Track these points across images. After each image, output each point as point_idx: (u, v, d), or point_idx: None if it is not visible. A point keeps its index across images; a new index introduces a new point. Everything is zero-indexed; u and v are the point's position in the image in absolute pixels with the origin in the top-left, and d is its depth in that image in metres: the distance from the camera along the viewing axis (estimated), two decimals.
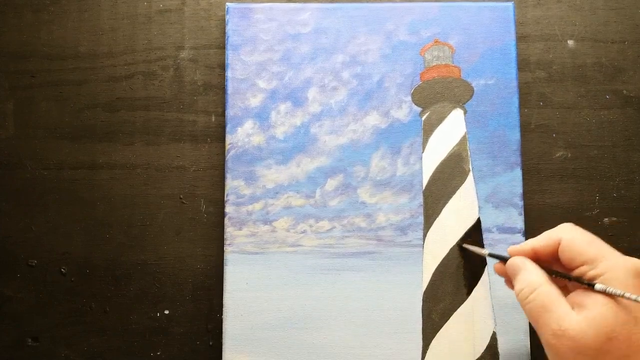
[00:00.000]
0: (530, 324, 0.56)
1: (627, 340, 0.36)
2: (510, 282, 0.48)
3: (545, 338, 0.40)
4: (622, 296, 0.37)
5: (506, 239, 0.57)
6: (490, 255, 0.52)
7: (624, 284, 0.37)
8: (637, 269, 0.38)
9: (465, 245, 0.56)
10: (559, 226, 0.44)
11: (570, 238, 0.42)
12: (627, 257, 0.40)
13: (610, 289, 0.37)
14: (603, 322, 0.37)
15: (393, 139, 0.59)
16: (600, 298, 0.38)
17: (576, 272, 0.41)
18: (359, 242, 0.58)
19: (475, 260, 0.57)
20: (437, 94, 0.59)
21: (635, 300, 0.36)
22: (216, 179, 0.60)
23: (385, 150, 0.59)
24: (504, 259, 0.48)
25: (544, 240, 0.44)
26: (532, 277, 0.42)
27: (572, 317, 0.38)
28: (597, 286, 0.38)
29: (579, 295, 0.40)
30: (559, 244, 0.42)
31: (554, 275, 0.43)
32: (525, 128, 0.60)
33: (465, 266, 0.57)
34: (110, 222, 0.60)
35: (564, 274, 0.42)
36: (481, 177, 0.58)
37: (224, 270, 0.57)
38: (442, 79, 0.59)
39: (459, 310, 0.56)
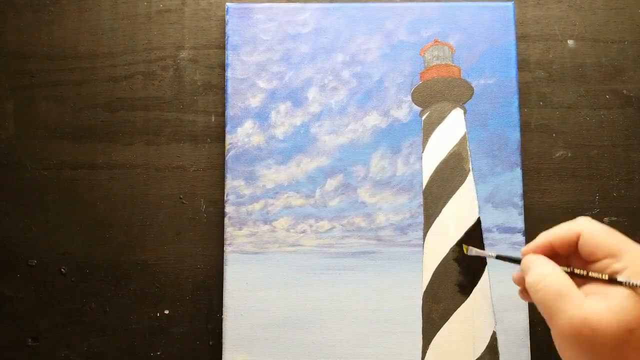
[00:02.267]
0: (530, 324, 0.56)
1: None
2: (523, 292, 0.44)
3: (559, 327, 0.37)
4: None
5: (506, 239, 0.57)
6: (499, 257, 0.47)
7: None
8: None
9: (471, 248, 0.51)
10: (576, 219, 0.42)
11: (591, 231, 0.40)
12: None
13: (634, 282, 0.37)
14: (627, 313, 0.36)
15: (393, 139, 0.59)
16: (621, 290, 0.37)
17: (598, 265, 0.40)
18: (359, 242, 0.58)
19: (475, 260, 0.57)
20: (437, 93, 0.59)
21: None
22: (216, 179, 0.60)
23: (385, 150, 0.59)
24: (516, 261, 0.44)
25: (562, 232, 0.42)
26: (540, 268, 0.40)
27: (593, 306, 0.37)
28: (620, 278, 0.38)
29: (597, 287, 0.39)
30: (578, 237, 0.41)
31: (569, 273, 0.41)
32: (525, 128, 0.60)
33: (465, 266, 0.57)
34: (110, 222, 0.60)
35: (580, 273, 0.40)
36: (481, 177, 0.58)
37: (224, 270, 0.57)
38: (442, 78, 0.59)
39: (459, 310, 0.56)
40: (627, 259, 0.38)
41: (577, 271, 0.41)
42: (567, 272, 0.41)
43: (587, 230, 0.41)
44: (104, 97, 0.61)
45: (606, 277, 0.38)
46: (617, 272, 0.38)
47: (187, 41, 0.62)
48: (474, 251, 0.48)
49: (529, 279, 0.41)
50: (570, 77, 0.61)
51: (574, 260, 0.42)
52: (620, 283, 0.38)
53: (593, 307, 0.37)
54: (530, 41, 0.61)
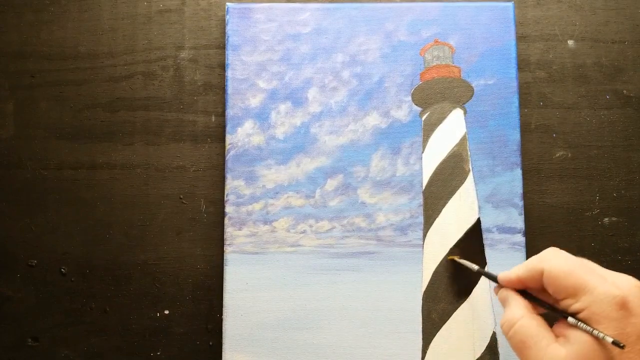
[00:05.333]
0: None
1: None
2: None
3: None
4: (591, 333, 0.37)
5: (506, 239, 0.57)
6: (480, 272, 0.52)
7: (607, 318, 0.37)
8: (621, 300, 0.37)
9: (456, 259, 0.56)
10: (543, 252, 0.43)
11: (551, 270, 0.40)
12: (612, 283, 0.38)
13: (581, 325, 0.37)
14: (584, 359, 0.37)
15: (393, 139, 0.59)
16: (581, 334, 0.38)
17: (562, 304, 0.41)
18: (359, 242, 0.58)
19: (476, 261, 0.57)
20: (437, 94, 0.59)
21: (603, 338, 0.36)
22: (216, 179, 0.60)
23: (385, 150, 0.59)
24: (493, 279, 0.47)
25: (528, 270, 0.43)
26: (512, 312, 0.42)
27: (554, 352, 0.38)
28: (570, 319, 0.38)
29: (564, 327, 0.40)
30: (543, 274, 0.42)
31: (540, 306, 0.43)
32: (525, 128, 0.60)
33: (465, 266, 0.57)
34: (110, 222, 0.60)
35: (547, 307, 0.42)
36: (481, 177, 0.58)
37: (224, 270, 0.57)
38: (442, 79, 0.59)
39: (459, 310, 0.56)
40: (586, 300, 0.38)
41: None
42: (539, 305, 0.42)
43: (549, 269, 0.41)
44: (104, 97, 0.61)
45: (573, 320, 0.39)
46: (577, 312, 0.39)
47: (187, 41, 0.62)
48: (460, 261, 0.55)
49: (501, 321, 0.43)
50: (570, 77, 0.61)
51: (548, 295, 0.43)
52: (577, 327, 0.38)
53: (554, 353, 0.38)
54: (530, 41, 0.62)
